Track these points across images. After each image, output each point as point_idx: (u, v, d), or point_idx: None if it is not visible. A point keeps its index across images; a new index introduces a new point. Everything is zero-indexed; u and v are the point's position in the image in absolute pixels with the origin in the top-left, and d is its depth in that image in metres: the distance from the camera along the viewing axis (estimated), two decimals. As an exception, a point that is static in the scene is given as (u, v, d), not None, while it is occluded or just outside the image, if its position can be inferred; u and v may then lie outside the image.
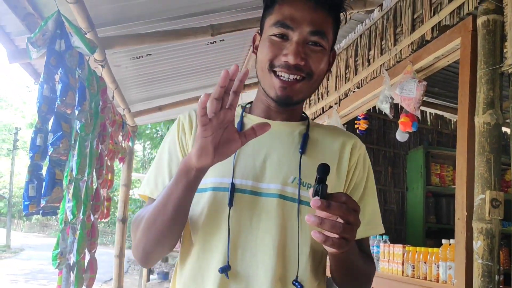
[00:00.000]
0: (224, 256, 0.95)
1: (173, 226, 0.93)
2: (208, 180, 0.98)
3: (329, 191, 0.76)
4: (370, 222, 1.07)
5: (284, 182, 0.99)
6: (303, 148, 1.02)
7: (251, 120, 1.06)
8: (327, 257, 0.98)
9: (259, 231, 0.97)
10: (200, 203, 0.99)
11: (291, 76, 0.96)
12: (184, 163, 0.87)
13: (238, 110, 1.10)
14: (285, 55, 0.95)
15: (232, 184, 0.97)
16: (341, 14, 1.04)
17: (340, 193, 0.77)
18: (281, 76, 0.96)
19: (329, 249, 0.79)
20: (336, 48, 3.50)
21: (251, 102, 1.14)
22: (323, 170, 0.76)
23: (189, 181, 0.87)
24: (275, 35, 0.97)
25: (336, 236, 0.75)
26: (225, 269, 0.94)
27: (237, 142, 0.84)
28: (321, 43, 0.97)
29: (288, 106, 1.04)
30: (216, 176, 0.99)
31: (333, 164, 1.04)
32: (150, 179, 1.06)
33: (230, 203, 0.96)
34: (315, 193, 0.75)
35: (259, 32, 1.07)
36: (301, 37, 0.96)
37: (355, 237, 0.79)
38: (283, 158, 1.01)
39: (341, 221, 0.75)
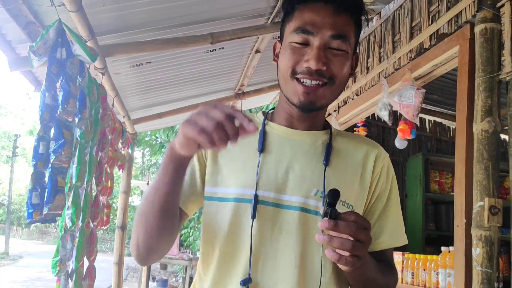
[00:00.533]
0: (246, 269, 0.94)
1: (164, 218, 0.92)
2: (231, 190, 0.98)
3: (353, 200, 0.84)
4: (393, 234, 1.07)
5: (306, 195, 0.97)
6: (327, 160, 1.01)
7: (273, 129, 1.05)
8: None
9: (279, 244, 0.96)
10: (222, 213, 0.99)
11: (313, 82, 0.95)
12: (166, 153, 0.87)
13: (260, 117, 1.09)
14: (307, 61, 0.94)
15: (255, 196, 0.96)
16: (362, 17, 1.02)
17: (349, 212, 0.80)
18: (303, 82, 0.95)
19: (343, 267, 0.81)
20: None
21: (273, 108, 1.12)
22: (333, 195, 0.79)
23: (174, 169, 0.87)
24: (296, 42, 0.96)
25: (347, 254, 0.77)
26: (246, 282, 0.93)
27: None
28: (343, 47, 0.96)
29: (311, 112, 1.02)
30: (238, 186, 0.98)
31: (357, 175, 1.04)
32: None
33: (253, 215, 0.95)
34: (325, 214, 0.78)
35: (279, 39, 1.06)
36: (322, 42, 0.94)
37: (366, 254, 0.81)
38: (306, 169, 1.00)
39: (351, 239, 0.77)
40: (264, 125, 1.06)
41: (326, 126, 1.10)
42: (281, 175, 0.99)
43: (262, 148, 1.01)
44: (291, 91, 0.98)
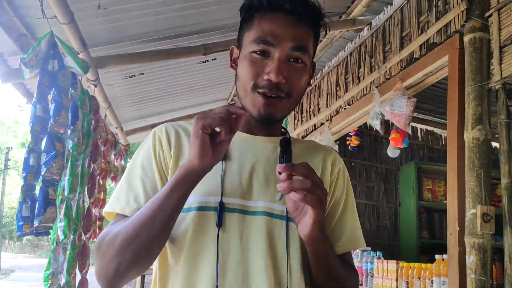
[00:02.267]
0: (213, 281, 0.90)
1: (160, 240, 0.88)
2: (192, 199, 0.93)
3: None
4: (351, 236, 1.06)
5: (271, 199, 0.96)
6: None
7: (234, 136, 1.02)
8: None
9: (249, 252, 0.93)
10: (183, 223, 0.93)
11: (273, 95, 0.94)
12: (182, 169, 0.85)
13: None
14: (267, 73, 0.93)
15: (221, 204, 0.93)
16: (321, 27, 1.01)
17: (302, 162, 0.84)
18: (265, 95, 0.94)
19: (311, 213, 0.84)
20: (326, 66, 3.54)
21: None
22: (285, 143, 0.91)
23: (187, 187, 0.86)
24: (255, 52, 0.94)
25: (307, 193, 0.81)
26: None
27: (227, 142, 0.86)
28: (302, 59, 0.95)
29: (270, 125, 1.02)
30: (201, 194, 0.94)
31: None
32: (120, 195, 0.97)
33: (219, 224, 0.92)
34: (281, 161, 0.86)
35: (237, 45, 1.04)
36: (283, 54, 0.93)
37: (326, 195, 0.85)
38: (269, 174, 0.98)
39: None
40: None
41: (283, 133, 1.10)
42: (246, 181, 0.97)
43: (224, 155, 0.97)
44: (250, 103, 0.96)
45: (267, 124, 1.00)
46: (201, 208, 0.94)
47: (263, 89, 0.94)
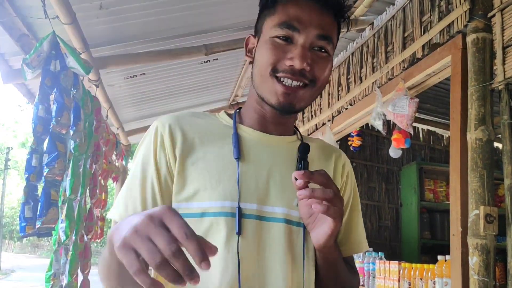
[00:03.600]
0: None
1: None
2: (207, 204, 0.87)
3: None
4: (355, 241, 1.05)
5: (288, 205, 0.90)
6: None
7: (247, 133, 0.96)
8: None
9: (266, 261, 0.88)
10: (199, 229, 0.86)
11: (295, 83, 0.88)
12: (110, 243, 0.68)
13: (225, 119, 1.00)
14: (290, 59, 0.87)
15: (239, 209, 0.86)
16: (343, 22, 0.97)
17: (320, 169, 0.81)
18: (284, 81, 0.88)
19: (330, 224, 0.80)
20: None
21: (239, 109, 1.03)
22: (304, 149, 0.89)
23: None
24: (278, 37, 0.88)
25: (329, 205, 0.77)
26: None
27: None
28: (327, 48, 0.90)
29: (289, 114, 0.96)
30: (216, 199, 0.87)
31: None
32: (120, 201, 0.92)
33: (239, 231, 0.86)
34: (298, 168, 0.84)
35: (253, 34, 0.98)
36: (308, 40, 0.88)
37: (343, 205, 0.81)
38: (286, 177, 0.92)
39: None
40: (236, 128, 0.96)
41: (295, 132, 1.05)
42: (262, 185, 0.91)
43: (239, 155, 0.91)
44: (268, 90, 0.90)
45: (285, 113, 0.95)
46: (217, 214, 0.87)
47: (284, 74, 0.88)
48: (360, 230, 1.07)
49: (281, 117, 0.96)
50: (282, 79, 0.88)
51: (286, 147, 0.98)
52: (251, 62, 0.96)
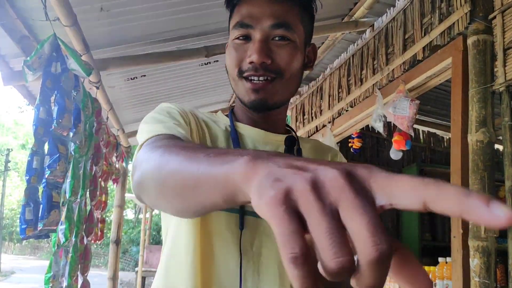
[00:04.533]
0: (235, 281, 0.84)
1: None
2: None
3: None
4: None
5: None
6: None
7: (244, 130, 0.96)
8: None
9: (261, 258, 0.87)
10: (199, 226, 0.87)
11: (261, 78, 0.87)
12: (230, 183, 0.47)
13: (223, 118, 0.99)
14: (249, 56, 0.87)
15: (242, 205, 0.85)
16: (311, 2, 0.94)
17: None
18: (252, 79, 0.88)
19: None
20: (328, 68, 3.54)
21: (232, 108, 1.03)
22: (290, 142, 0.90)
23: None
24: (237, 38, 0.89)
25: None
26: None
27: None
28: (287, 36, 0.88)
29: (265, 111, 0.93)
30: None
31: None
32: (151, 126, 0.79)
33: (242, 226, 0.86)
34: None
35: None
36: (263, 34, 0.87)
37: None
38: None
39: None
40: (233, 126, 0.95)
41: (288, 131, 1.03)
42: None
43: None
44: (240, 91, 0.90)
45: (261, 110, 0.93)
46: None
47: (248, 72, 0.87)
48: None
49: (263, 115, 0.95)
50: (249, 77, 0.88)
51: (283, 144, 0.96)
52: None
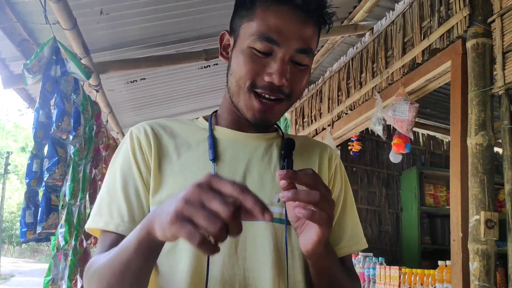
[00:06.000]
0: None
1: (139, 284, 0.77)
2: None
3: None
4: (352, 237, 0.97)
5: (269, 202, 0.85)
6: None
7: (223, 134, 0.94)
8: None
9: (246, 262, 0.84)
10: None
11: (272, 97, 0.86)
12: (144, 232, 0.70)
13: (203, 123, 0.98)
14: (269, 75, 0.84)
15: None
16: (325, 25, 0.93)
17: (307, 168, 0.71)
18: (262, 98, 0.86)
19: (316, 231, 0.71)
20: (328, 71, 3.54)
21: (215, 112, 1.01)
22: (288, 145, 0.81)
23: (151, 252, 0.74)
24: (258, 50, 0.85)
25: (315, 209, 0.68)
26: None
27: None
28: (305, 61, 0.88)
29: (262, 128, 0.94)
30: None
31: None
32: (102, 208, 0.87)
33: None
34: (282, 167, 0.76)
35: (228, 31, 0.95)
36: (287, 55, 0.85)
37: (334, 208, 0.72)
38: (264, 174, 0.90)
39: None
40: (211, 130, 0.94)
41: (275, 129, 1.01)
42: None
43: (215, 156, 0.89)
44: (245, 104, 0.88)
45: (259, 127, 0.94)
46: None
47: (263, 90, 0.86)
48: (355, 227, 1.00)
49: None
50: (261, 94, 0.87)
51: (265, 144, 0.95)
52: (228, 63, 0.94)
